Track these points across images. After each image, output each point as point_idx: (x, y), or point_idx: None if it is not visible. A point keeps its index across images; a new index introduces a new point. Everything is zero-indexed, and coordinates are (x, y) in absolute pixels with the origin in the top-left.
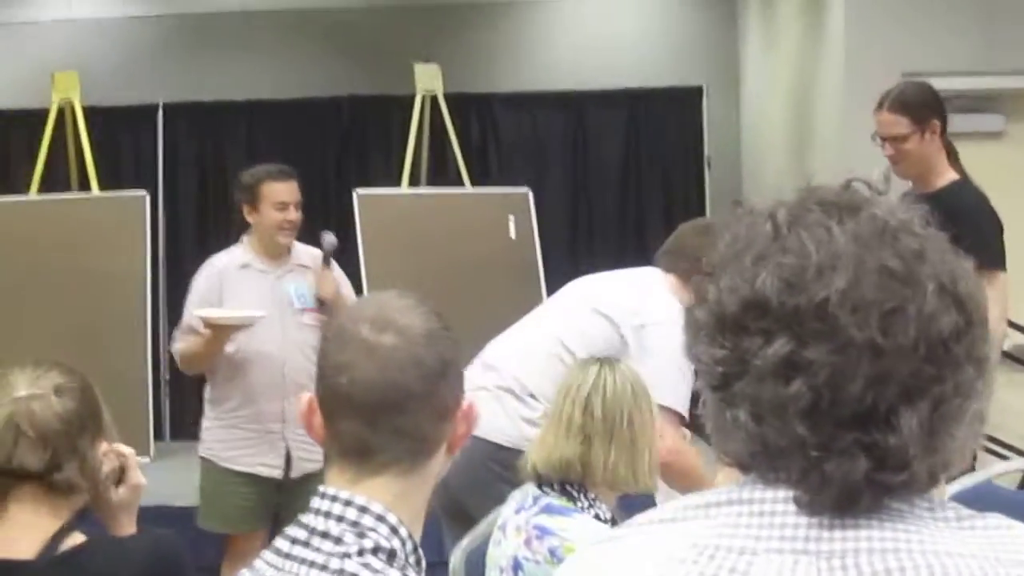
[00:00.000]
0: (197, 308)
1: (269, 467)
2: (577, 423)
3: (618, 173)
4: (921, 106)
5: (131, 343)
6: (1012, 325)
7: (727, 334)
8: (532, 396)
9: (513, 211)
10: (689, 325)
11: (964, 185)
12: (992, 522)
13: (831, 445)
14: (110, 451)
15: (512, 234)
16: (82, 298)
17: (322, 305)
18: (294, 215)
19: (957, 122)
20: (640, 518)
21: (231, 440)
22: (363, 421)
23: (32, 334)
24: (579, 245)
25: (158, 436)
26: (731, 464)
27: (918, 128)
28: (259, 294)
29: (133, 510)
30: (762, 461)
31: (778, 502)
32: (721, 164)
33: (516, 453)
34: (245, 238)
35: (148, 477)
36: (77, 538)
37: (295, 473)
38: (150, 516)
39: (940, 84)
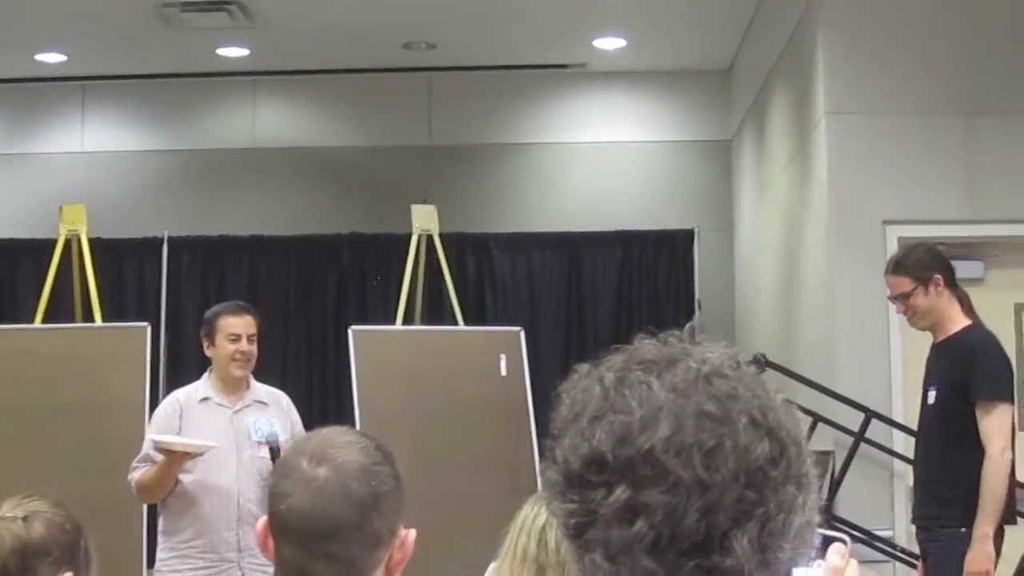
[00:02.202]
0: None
1: None
2: (532, 554)
3: (611, 313)
4: (917, 265)
5: (128, 473)
6: None
7: (575, 489)
8: None
9: (504, 350)
10: (546, 485)
11: (974, 329)
12: None
13: (676, 574)
14: None
15: (503, 372)
16: (82, 427)
17: (274, 455)
18: (246, 347)
19: None
20: None
21: (186, 570)
22: (299, 547)
23: (32, 461)
24: None
25: (152, 563)
26: None
27: (919, 284)
28: (216, 427)
29: None
30: None
31: None
32: (714, 306)
33: None
34: (206, 374)
35: None
36: None
37: None
38: None
39: (920, 232)
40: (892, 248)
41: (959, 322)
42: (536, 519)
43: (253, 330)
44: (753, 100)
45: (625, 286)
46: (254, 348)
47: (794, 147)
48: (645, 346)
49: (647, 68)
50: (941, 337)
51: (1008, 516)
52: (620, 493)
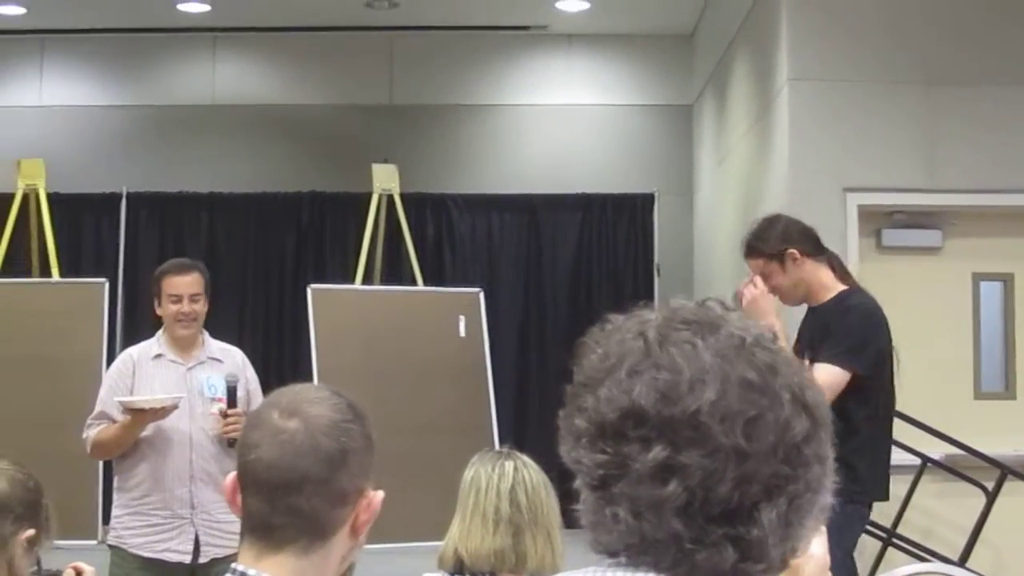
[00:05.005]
0: (109, 396)
1: (178, 553)
2: (506, 515)
3: (569, 276)
4: (767, 242)
5: (84, 428)
6: (942, 437)
7: (607, 440)
8: None
9: (463, 311)
10: (568, 432)
11: (850, 294)
12: None
13: (703, 539)
14: (71, 567)
15: (462, 333)
16: (39, 382)
17: (232, 397)
18: (188, 307)
19: (896, 237)
20: None
21: (139, 527)
22: (264, 498)
23: None
24: (529, 346)
25: (107, 520)
26: (601, 552)
27: (774, 261)
28: (170, 383)
29: None
30: (635, 551)
31: None
32: (673, 271)
33: None
34: (160, 331)
35: (95, 558)
36: None
37: (203, 558)
38: None
39: (880, 200)
40: (852, 216)
41: (833, 288)
42: (502, 480)
43: (196, 289)
44: (715, 65)
45: (584, 249)
46: (198, 307)
47: (755, 113)
48: (683, 306)
49: (609, 31)
50: (814, 304)
51: (882, 492)
52: (659, 451)
